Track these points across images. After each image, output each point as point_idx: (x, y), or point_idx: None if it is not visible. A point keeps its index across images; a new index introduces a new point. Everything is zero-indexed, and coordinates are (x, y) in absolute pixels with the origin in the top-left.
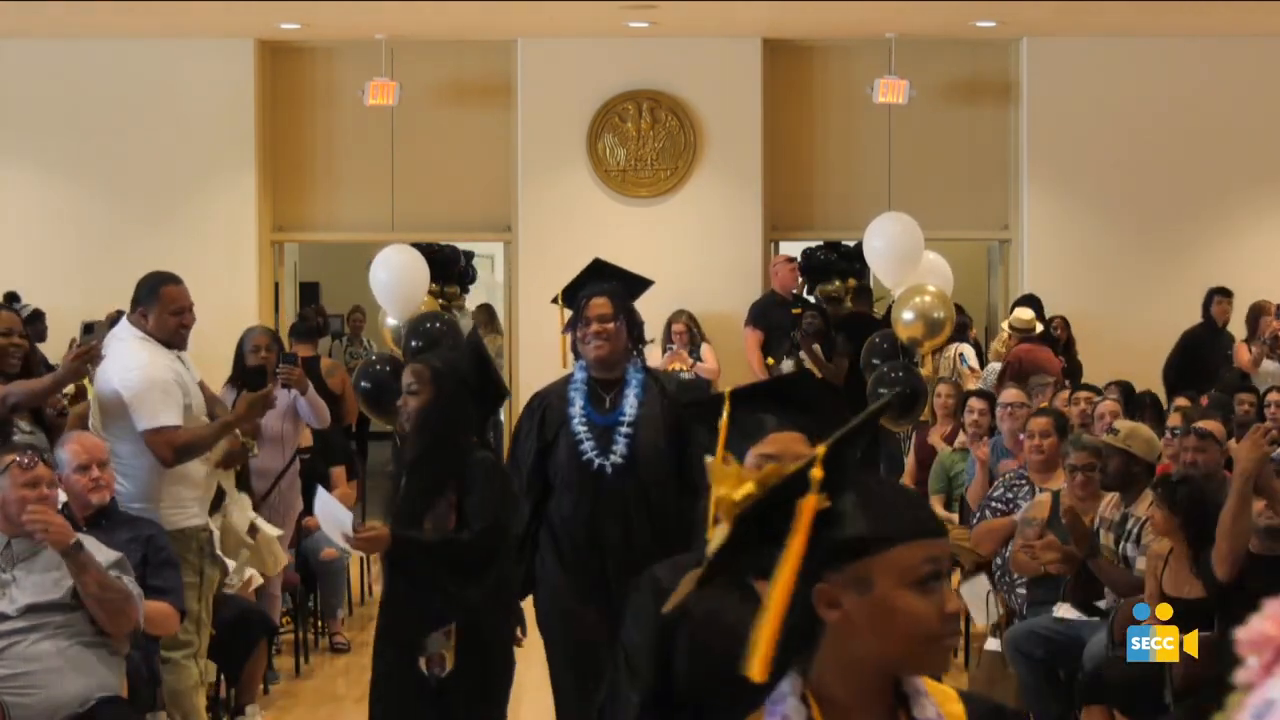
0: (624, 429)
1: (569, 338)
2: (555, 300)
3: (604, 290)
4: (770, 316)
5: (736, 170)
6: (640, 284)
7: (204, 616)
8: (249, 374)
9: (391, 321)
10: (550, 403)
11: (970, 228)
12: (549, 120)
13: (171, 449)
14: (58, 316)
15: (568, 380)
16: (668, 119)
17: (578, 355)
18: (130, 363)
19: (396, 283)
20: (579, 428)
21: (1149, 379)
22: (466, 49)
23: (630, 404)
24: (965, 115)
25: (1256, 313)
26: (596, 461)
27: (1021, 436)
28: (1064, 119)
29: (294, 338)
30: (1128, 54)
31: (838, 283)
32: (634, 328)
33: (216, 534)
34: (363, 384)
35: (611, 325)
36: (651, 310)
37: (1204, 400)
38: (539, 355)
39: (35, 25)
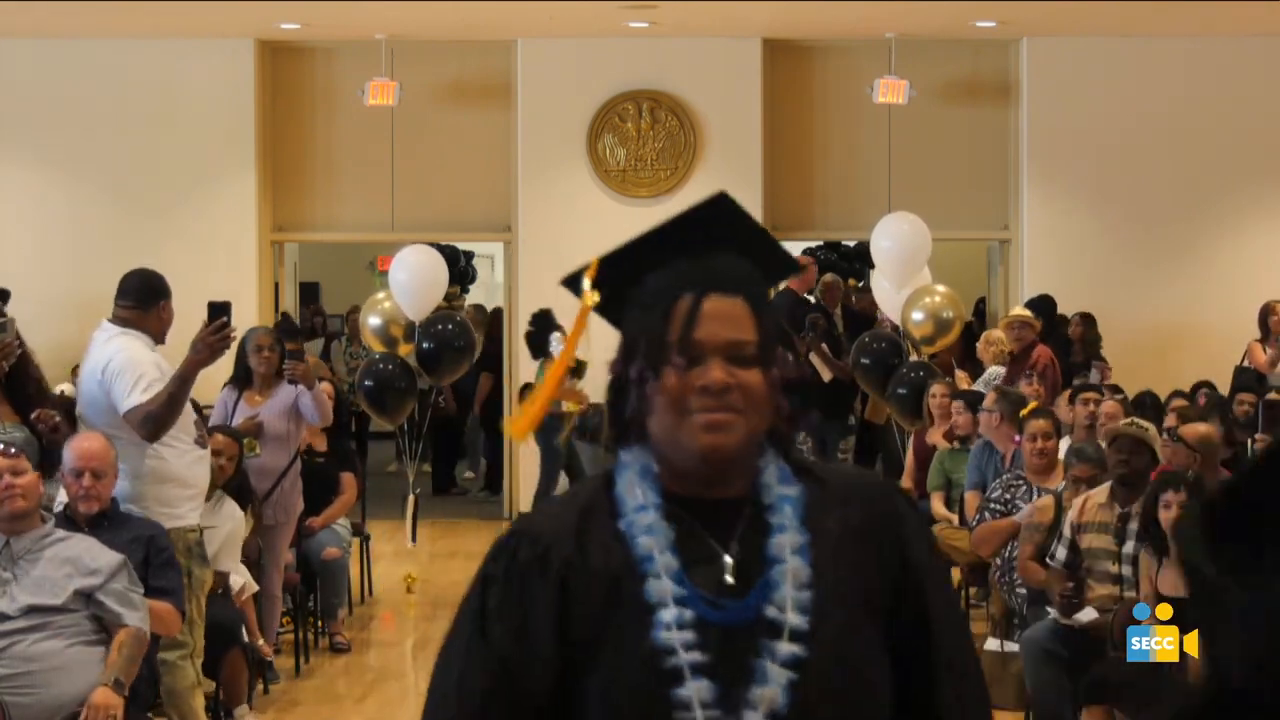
0: (784, 639)
1: (614, 383)
2: (575, 284)
3: (732, 280)
4: (796, 315)
5: (736, 170)
6: (781, 265)
7: (196, 617)
8: (211, 308)
9: (374, 321)
10: (569, 558)
11: (970, 228)
12: (549, 120)
13: (138, 424)
14: (57, 316)
15: (604, 492)
16: (668, 119)
17: (627, 434)
18: (108, 351)
19: (415, 283)
20: (667, 636)
21: (1148, 379)
22: (466, 49)
23: (783, 565)
24: (965, 115)
25: (1267, 313)
26: None
27: (1018, 438)
28: (1064, 119)
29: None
30: (1128, 54)
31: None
32: (792, 378)
33: (216, 532)
34: (366, 383)
35: (755, 373)
36: None
37: (1201, 400)
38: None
39: (35, 25)
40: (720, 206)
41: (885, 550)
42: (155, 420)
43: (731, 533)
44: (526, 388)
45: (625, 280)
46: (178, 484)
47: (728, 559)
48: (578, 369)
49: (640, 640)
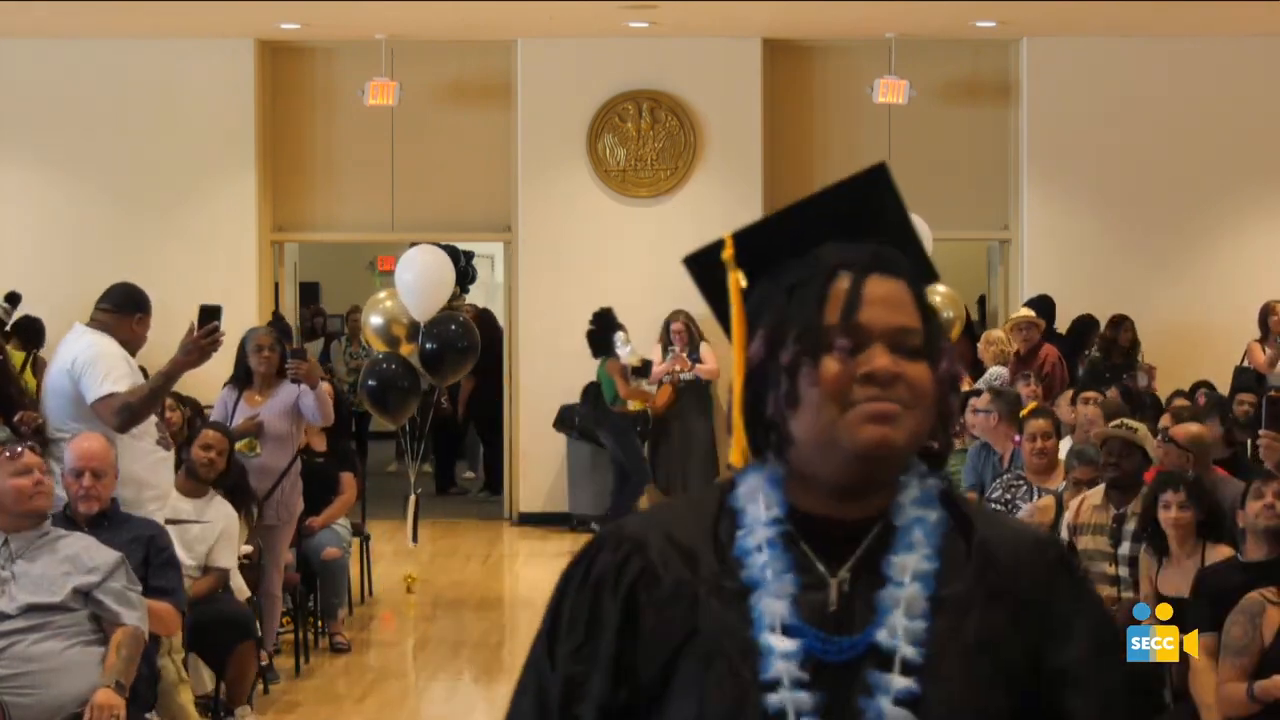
0: (894, 673)
1: (752, 377)
2: (704, 260)
3: (893, 261)
4: None
5: (736, 170)
6: (925, 271)
7: None
8: (202, 311)
9: (376, 320)
10: (647, 566)
11: (970, 228)
12: (549, 120)
13: (113, 412)
14: (56, 317)
15: (719, 498)
16: (668, 119)
17: (767, 437)
18: (78, 346)
19: (421, 283)
20: (775, 665)
21: None
22: (466, 49)
23: (899, 589)
24: (965, 115)
25: (1267, 313)
26: None
27: (1017, 438)
28: (1064, 119)
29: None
30: (1128, 54)
31: None
32: (953, 376)
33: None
34: (369, 382)
35: (922, 367)
36: (651, 311)
37: (1200, 399)
38: (541, 358)
39: (35, 25)
40: (876, 183)
41: (1030, 635)
42: (131, 411)
43: (845, 557)
44: (590, 387)
45: (761, 261)
46: (137, 485)
47: (833, 586)
48: (643, 368)
49: (731, 668)
